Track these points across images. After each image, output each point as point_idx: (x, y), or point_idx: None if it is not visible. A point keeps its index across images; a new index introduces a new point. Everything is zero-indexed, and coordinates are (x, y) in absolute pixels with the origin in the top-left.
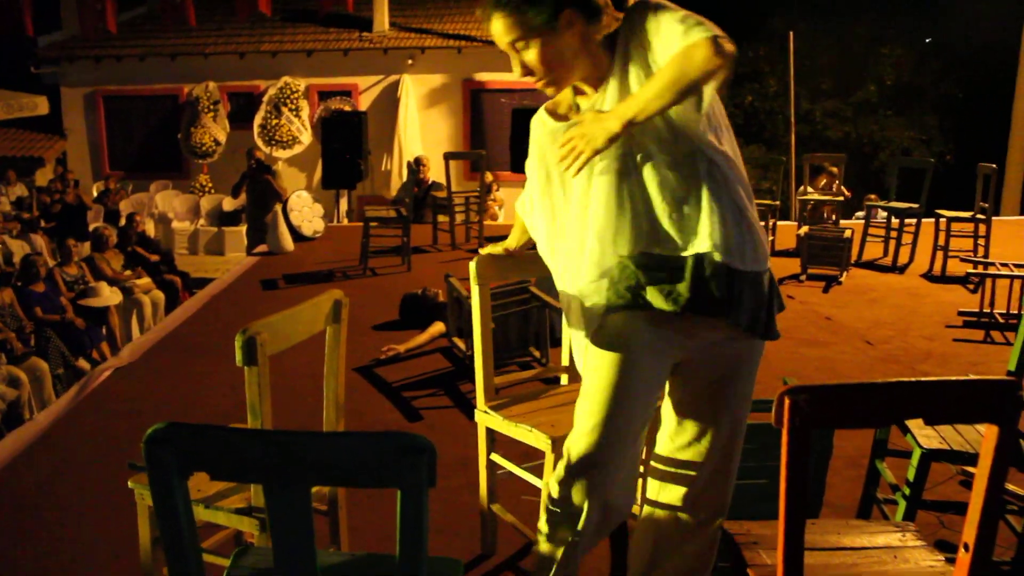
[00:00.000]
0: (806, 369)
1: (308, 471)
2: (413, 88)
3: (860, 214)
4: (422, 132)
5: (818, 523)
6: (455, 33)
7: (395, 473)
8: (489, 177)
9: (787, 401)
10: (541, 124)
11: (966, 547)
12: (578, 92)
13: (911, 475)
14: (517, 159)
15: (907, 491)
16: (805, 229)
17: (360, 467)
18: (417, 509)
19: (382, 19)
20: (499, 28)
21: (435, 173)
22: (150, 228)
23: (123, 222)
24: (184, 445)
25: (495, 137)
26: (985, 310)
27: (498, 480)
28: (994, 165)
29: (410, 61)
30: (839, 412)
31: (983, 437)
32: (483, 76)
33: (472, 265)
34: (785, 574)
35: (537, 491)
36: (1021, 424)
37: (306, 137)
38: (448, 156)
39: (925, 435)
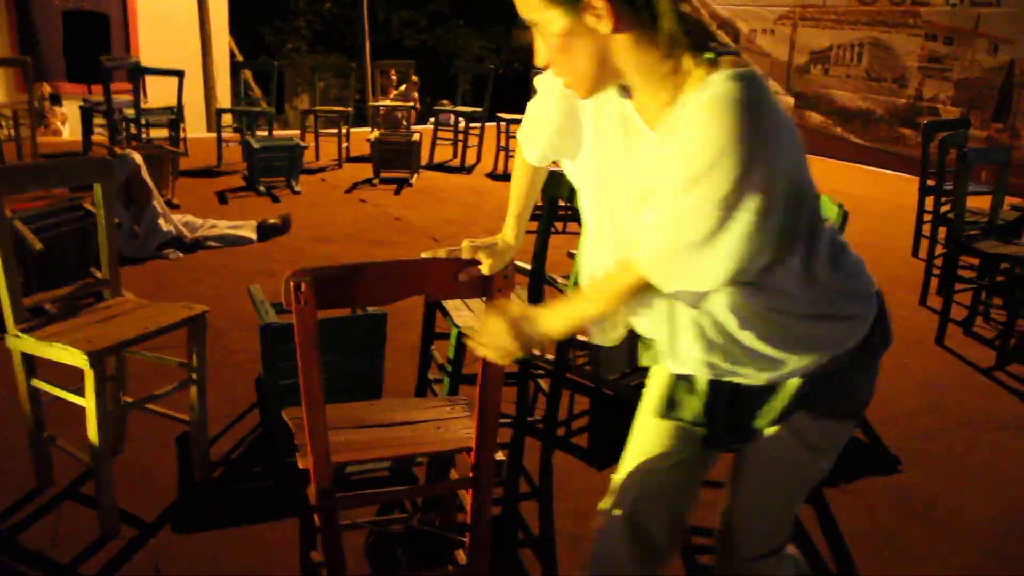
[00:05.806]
0: None
1: None
2: None
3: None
4: None
5: (378, 403)
6: None
7: None
8: (48, 89)
9: (291, 284)
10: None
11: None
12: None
13: (451, 353)
14: (72, 67)
15: (449, 368)
16: (376, 134)
17: None
18: None
19: None
20: None
21: None
22: None
23: None
24: None
25: (50, 43)
26: (539, 203)
27: (47, 407)
28: None
29: None
30: (343, 292)
31: None
32: None
33: None
34: (312, 449)
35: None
36: None
37: None
38: None
39: (461, 314)
